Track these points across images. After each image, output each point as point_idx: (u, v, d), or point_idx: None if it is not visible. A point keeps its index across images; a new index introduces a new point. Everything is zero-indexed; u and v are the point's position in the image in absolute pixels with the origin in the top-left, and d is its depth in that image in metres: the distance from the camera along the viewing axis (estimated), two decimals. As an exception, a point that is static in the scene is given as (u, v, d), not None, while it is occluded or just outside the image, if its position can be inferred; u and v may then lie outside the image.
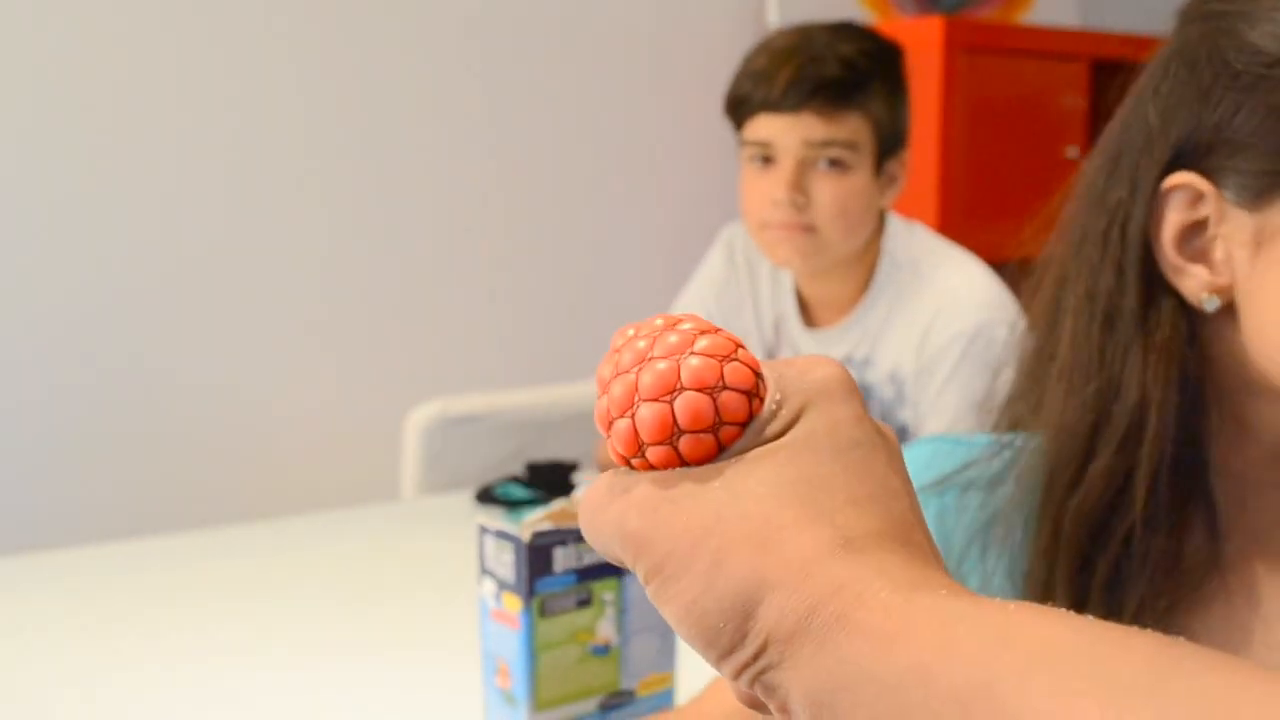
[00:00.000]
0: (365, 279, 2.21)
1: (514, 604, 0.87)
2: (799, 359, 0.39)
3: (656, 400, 0.36)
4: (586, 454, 1.76)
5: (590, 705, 0.91)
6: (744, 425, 0.37)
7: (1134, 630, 0.30)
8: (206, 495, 2.07)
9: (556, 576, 0.87)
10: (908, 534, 0.35)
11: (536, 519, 0.88)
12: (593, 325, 2.43)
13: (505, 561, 0.87)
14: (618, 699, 0.92)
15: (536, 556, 0.86)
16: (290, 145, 2.11)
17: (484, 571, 0.90)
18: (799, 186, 1.44)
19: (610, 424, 0.38)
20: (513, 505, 1.57)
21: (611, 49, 2.40)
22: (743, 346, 0.38)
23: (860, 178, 1.45)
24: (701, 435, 0.36)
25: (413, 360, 2.27)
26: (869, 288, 1.53)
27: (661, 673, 0.94)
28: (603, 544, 0.38)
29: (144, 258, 2.01)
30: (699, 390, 0.36)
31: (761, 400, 0.37)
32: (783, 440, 0.36)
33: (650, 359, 0.37)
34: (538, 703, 0.88)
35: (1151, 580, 0.67)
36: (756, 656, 0.34)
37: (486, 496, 1.60)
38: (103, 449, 2.00)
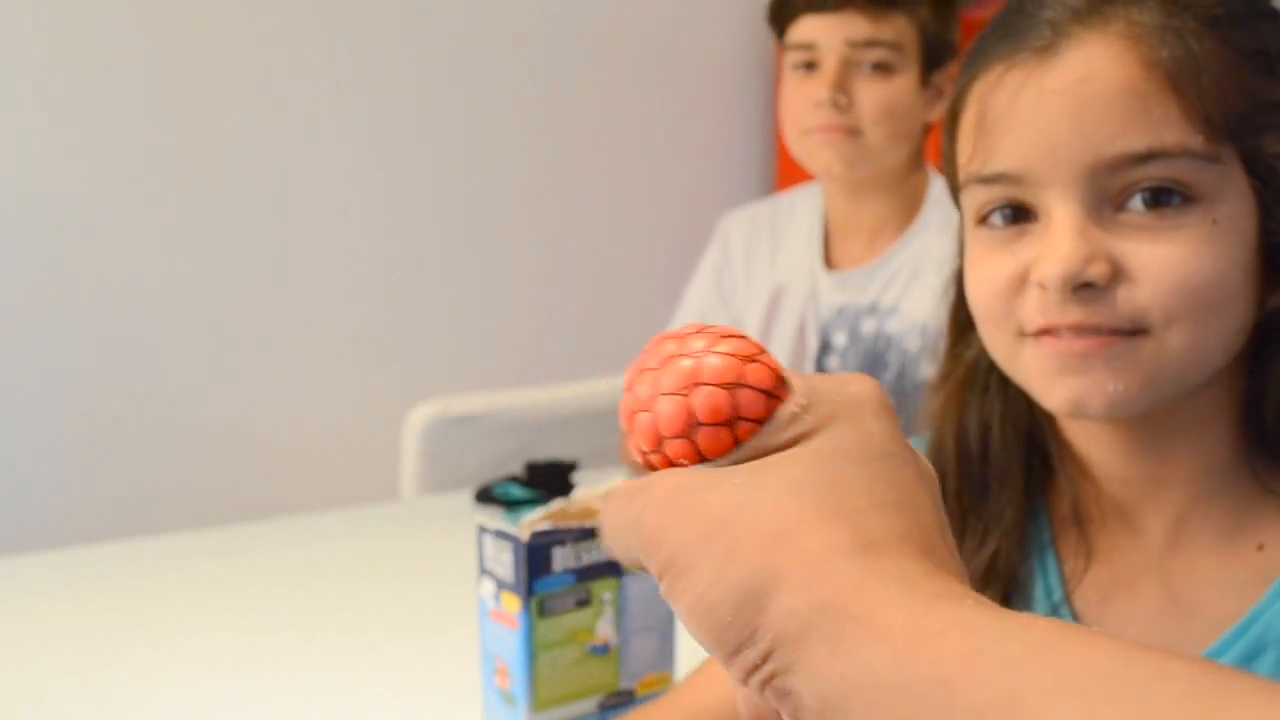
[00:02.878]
0: (365, 279, 2.21)
1: (513, 604, 0.87)
2: (837, 375, 0.39)
3: (675, 394, 0.37)
4: (586, 454, 1.76)
5: (589, 705, 0.91)
6: (762, 423, 0.37)
7: (1171, 654, 0.29)
8: (206, 495, 2.07)
9: (555, 576, 0.87)
10: (931, 545, 0.35)
11: (535, 519, 0.88)
12: (593, 325, 2.43)
13: (504, 561, 0.87)
14: (617, 699, 0.92)
15: (535, 556, 0.86)
16: (291, 146, 2.11)
17: (483, 571, 0.90)
18: (842, 87, 1.41)
19: (632, 418, 0.39)
20: (512, 505, 1.57)
21: (610, 51, 2.40)
22: (766, 351, 0.38)
23: (905, 81, 1.42)
24: (718, 429, 0.37)
25: (413, 360, 2.27)
26: (908, 226, 1.50)
27: (661, 673, 0.94)
28: (622, 543, 0.37)
29: (145, 258, 2.01)
30: (717, 385, 0.37)
31: (781, 401, 0.37)
32: (808, 443, 0.36)
33: (674, 357, 0.38)
34: (537, 703, 0.88)
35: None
36: (766, 657, 0.32)
37: (486, 496, 1.60)
38: (103, 449, 2.00)
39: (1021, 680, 0.29)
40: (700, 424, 0.37)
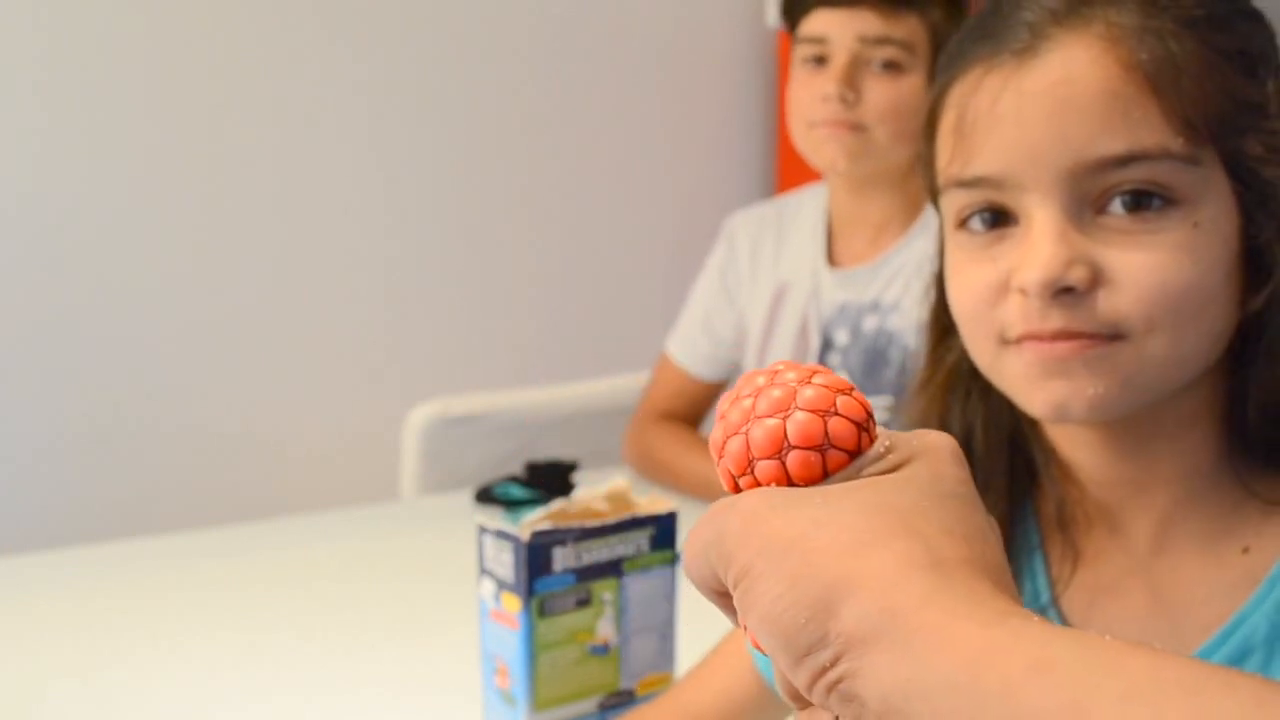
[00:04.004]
0: (365, 279, 2.21)
1: (513, 604, 0.87)
2: (914, 431, 0.40)
3: (770, 417, 0.39)
4: (586, 454, 1.76)
5: (589, 705, 0.91)
6: (851, 455, 0.39)
7: (1237, 671, 0.30)
8: (206, 495, 2.07)
9: (555, 576, 0.87)
10: (998, 574, 0.36)
11: (536, 519, 0.88)
12: (593, 325, 2.43)
13: (504, 561, 0.87)
14: (617, 699, 0.92)
15: (535, 556, 0.86)
16: (291, 146, 2.11)
17: (483, 571, 0.90)
18: (850, 83, 1.42)
19: (723, 444, 0.40)
20: (512, 505, 1.57)
21: (610, 51, 2.40)
22: (856, 389, 0.40)
23: (914, 82, 1.43)
24: (809, 453, 0.38)
25: (413, 360, 2.27)
26: (912, 223, 1.51)
27: (661, 673, 0.94)
28: (703, 562, 0.38)
29: (145, 258, 2.01)
30: (811, 412, 0.39)
31: (871, 438, 0.39)
32: (887, 475, 0.38)
33: (767, 387, 0.40)
34: (537, 703, 0.88)
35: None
36: (835, 661, 0.33)
37: (486, 496, 1.59)
38: (103, 449, 2.00)
39: (1090, 688, 0.29)
40: (792, 447, 0.39)
